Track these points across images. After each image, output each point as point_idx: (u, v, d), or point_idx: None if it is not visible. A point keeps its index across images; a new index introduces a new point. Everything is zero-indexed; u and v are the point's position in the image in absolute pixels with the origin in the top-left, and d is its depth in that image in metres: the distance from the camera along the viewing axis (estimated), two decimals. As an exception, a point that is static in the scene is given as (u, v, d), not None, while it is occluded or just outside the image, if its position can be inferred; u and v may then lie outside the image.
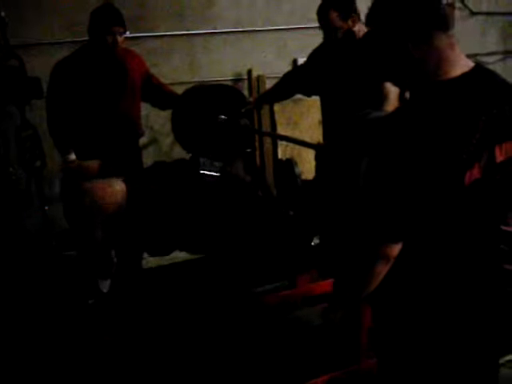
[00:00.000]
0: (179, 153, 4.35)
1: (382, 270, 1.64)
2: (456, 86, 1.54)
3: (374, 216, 1.59)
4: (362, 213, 1.67)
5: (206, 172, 3.23)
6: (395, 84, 2.95)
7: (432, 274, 1.65)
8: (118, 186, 3.06)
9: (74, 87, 3.48)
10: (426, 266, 1.65)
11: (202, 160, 3.26)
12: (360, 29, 3.21)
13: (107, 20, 3.36)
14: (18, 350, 3.22)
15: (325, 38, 3.36)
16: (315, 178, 3.39)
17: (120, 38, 3.39)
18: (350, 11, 3.21)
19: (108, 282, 3.28)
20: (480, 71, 1.60)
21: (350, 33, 3.21)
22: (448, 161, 1.49)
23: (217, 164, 3.30)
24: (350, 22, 3.20)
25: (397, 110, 1.67)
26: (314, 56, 3.56)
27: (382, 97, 3.03)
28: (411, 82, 1.63)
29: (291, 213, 3.32)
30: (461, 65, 1.58)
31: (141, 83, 3.72)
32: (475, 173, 1.53)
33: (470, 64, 1.60)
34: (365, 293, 1.73)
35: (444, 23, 1.57)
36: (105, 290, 3.25)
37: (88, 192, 3.01)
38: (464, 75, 1.56)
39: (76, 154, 3.54)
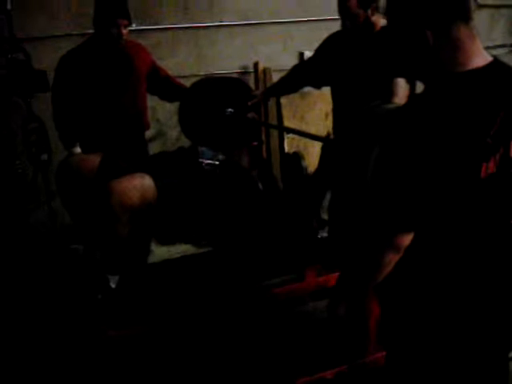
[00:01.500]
0: (185, 145, 4.35)
1: (392, 259, 1.63)
2: (475, 78, 1.52)
3: (386, 205, 1.58)
4: (373, 202, 1.66)
5: (204, 161, 3.23)
6: (409, 78, 2.96)
7: (443, 266, 1.64)
8: (148, 184, 3.04)
9: (78, 80, 3.47)
10: (438, 258, 1.64)
11: (200, 149, 3.27)
12: (379, 20, 3.19)
13: (111, 12, 3.34)
14: (22, 344, 3.23)
15: (342, 26, 3.33)
16: (318, 168, 3.38)
17: (124, 31, 3.37)
18: (370, 0, 3.17)
19: (117, 277, 3.28)
20: (498, 65, 1.58)
21: (369, 23, 3.17)
22: (465, 152, 1.48)
23: (217, 154, 3.31)
24: (369, 11, 3.17)
25: (412, 100, 1.65)
26: (325, 46, 3.52)
27: (392, 92, 3.01)
28: (427, 72, 1.61)
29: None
30: (479, 57, 1.56)
31: (147, 76, 3.70)
32: (491, 166, 1.52)
33: (489, 58, 1.58)
34: (372, 283, 1.71)
35: (466, 14, 1.55)
36: (113, 286, 3.26)
37: (120, 192, 2.99)
38: (482, 68, 1.54)
39: (81, 148, 3.53)
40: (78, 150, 3.51)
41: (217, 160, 3.29)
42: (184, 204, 3.16)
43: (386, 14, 1.66)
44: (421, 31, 1.54)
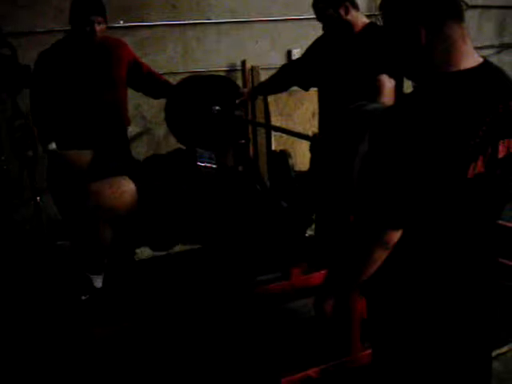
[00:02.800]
0: (172, 143, 4.33)
1: (380, 256, 1.62)
2: (465, 79, 1.53)
3: (376, 202, 1.58)
4: (359, 199, 1.66)
5: (203, 164, 3.22)
6: (396, 75, 2.96)
7: (430, 263, 1.65)
8: (127, 187, 3.02)
9: (55, 76, 3.46)
10: (425, 256, 1.65)
11: (199, 151, 3.25)
12: (358, 19, 3.18)
13: (85, 9, 3.32)
14: (7, 342, 3.21)
15: (323, 28, 3.34)
16: (309, 169, 3.38)
17: (98, 27, 3.35)
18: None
19: (101, 277, 3.27)
20: (488, 67, 1.59)
21: (346, 23, 3.17)
22: (453, 152, 1.48)
23: (213, 155, 3.29)
24: (341, 11, 3.15)
25: (403, 99, 1.65)
26: (313, 48, 3.53)
27: (377, 89, 3.01)
28: (418, 71, 1.62)
29: (284, 204, 3.31)
30: (470, 58, 1.56)
31: (127, 71, 3.67)
32: (479, 166, 1.53)
33: (479, 59, 1.59)
34: (360, 280, 1.71)
35: (458, 13, 1.55)
36: (98, 286, 3.25)
37: (96, 194, 2.97)
38: (473, 69, 1.55)
39: (61, 145, 3.52)
40: (53, 146, 3.49)
41: (214, 163, 3.28)
42: (185, 210, 3.14)
43: (381, 10, 1.66)
44: (414, 28, 1.54)
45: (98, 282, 3.25)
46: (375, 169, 1.58)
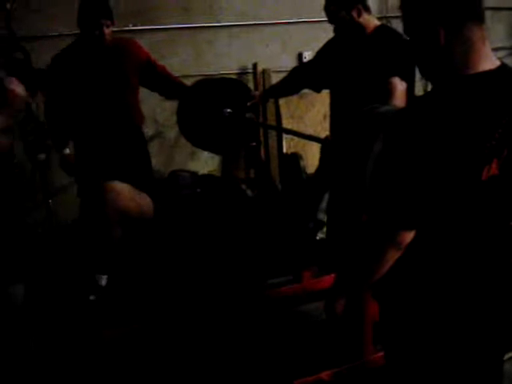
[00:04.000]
0: (184, 145, 4.35)
1: (393, 256, 1.63)
2: (483, 81, 1.53)
3: (389, 202, 1.58)
4: (373, 200, 1.66)
5: (186, 191, 3.24)
6: (407, 78, 2.95)
7: (443, 265, 1.65)
8: (145, 199, 3.06)
9: (69, 81, 3.48)
10: (437, 257, 1.65)
11: (181, 175, 3.26)
12: (369, 21, 3.19)
13: (94, 13, 3.34)
14: (18, 344, 3.23)
15: (334, 31, 3.34)
16: (318, 169, 3.39)
17: (107, 30, 3.36)
18: (352, 2, 3.16)
19: (106, 276, 3.30)
20: (505, 70, 1.58)
21: (358, 26, 3.17)
22: (469, 153, 1.48)
23: (196, 179, 3.31)
24: (353, 13, 3.16)
25: (419, 100, 1.65)
26: (324, 50, 3.53)
27: (389, 92, 3.01)
28: (437, 72, 1.61)
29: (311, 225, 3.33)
30: (488, 60, 1.56)
31: (139, 71, 3.66)
32: (493, 168, 1.53)
33: (497, 61, 1.58)
34: (371, 279, 1.71)
35: (479, 14, 1.54)
36: (103, 284, 3.27)
37: (116, 193, 3.01)
38: (491, 71, 1.54)
39: (75, 146, 3.55)
40: (67, 151, 3.53)
41: (197, 187, 3.30)
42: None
43: (400, 10, 1.65)
44: (433, 29, 1.53)
45: (103, 281, 3.29)
46: (389, 169, 1.58)
